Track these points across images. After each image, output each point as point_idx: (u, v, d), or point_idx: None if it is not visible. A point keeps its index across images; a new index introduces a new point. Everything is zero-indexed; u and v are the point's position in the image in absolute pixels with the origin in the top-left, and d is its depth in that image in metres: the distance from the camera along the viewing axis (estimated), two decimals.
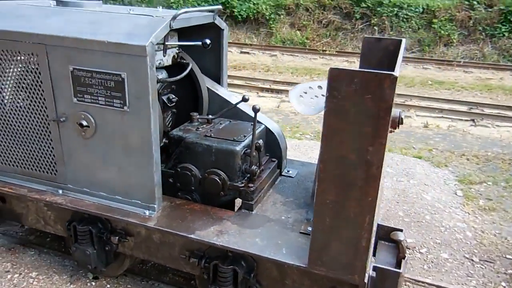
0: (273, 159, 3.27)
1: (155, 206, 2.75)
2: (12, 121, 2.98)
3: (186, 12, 2.65)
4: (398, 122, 2.50)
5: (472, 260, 3.76)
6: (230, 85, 5.51)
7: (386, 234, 3.06)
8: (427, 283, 3.40)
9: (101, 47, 2.52)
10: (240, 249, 2.47)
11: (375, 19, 15.59)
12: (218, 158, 2.82)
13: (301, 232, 2.63)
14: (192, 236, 2.56)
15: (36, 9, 2.90)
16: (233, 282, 2.61)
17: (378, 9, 15.47)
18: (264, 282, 2.63)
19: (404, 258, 2.90)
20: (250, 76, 11.60)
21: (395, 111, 2.50)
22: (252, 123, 3.11)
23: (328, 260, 2.28)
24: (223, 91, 3.48)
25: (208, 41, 2.79)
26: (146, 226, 2.67)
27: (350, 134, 2.02)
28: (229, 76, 4.84)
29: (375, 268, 2.73)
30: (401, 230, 3.15)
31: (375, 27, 15.63)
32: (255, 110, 2.72)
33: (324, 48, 15.97)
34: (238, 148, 2.79)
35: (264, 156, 3.22)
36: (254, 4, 18.37)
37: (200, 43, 2.77)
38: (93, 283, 3.12)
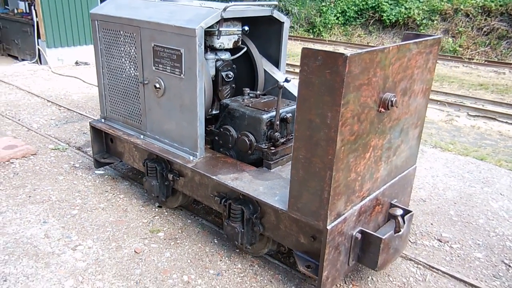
0: None
1: (197, 153, 3.58)
2: (119, 83, 4.15)
3: (235, 5, 3.40)
4: (388, 103, 2.83)
5: (510, 266, 3.67)
6: None
7: None
8: (440, 270, 3.50)
9: (170, 29, 3.44)
10: (243, 191, 3.13)
11: None
12: (249, 123, 3.51)
13: None
14: (213, 177, 3.32)
15: (143, 3, 3.99)
16: (241, 220, 3.28)
17: None
18: (266, 225, 3.24)
19: (398, 232, 3.18)
20: None
21: (387, 94, 2.85)
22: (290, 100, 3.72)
23: (301, 206, 2.80)
24: (279, 75, 4.13)
25: (246, 28, 3.50)
26: (186, 166, 3.52)
27: (315, 101, 2.52)
28: None
29: (361, 231, 3.11)
30: (410, 211, 3.39)
31: None
32: (279, 86, 3.32)
33: (471, 57, 14.92)
34: (264, 116, 3.43)
35: None
36: (406, 8, 18.02)
37: (241, 29, 3.50)
38: (156, 210, 4.12)
